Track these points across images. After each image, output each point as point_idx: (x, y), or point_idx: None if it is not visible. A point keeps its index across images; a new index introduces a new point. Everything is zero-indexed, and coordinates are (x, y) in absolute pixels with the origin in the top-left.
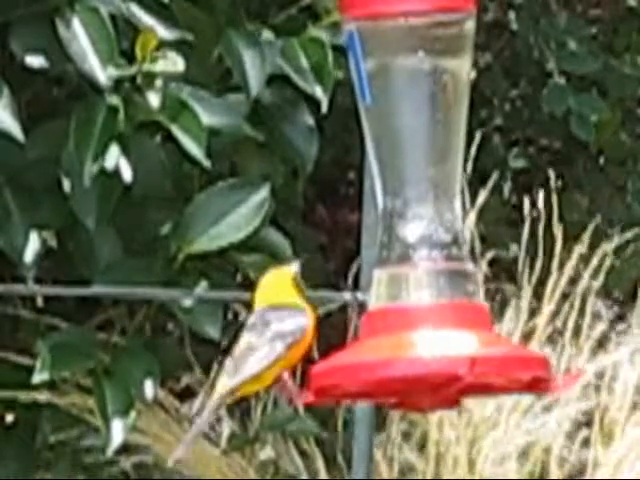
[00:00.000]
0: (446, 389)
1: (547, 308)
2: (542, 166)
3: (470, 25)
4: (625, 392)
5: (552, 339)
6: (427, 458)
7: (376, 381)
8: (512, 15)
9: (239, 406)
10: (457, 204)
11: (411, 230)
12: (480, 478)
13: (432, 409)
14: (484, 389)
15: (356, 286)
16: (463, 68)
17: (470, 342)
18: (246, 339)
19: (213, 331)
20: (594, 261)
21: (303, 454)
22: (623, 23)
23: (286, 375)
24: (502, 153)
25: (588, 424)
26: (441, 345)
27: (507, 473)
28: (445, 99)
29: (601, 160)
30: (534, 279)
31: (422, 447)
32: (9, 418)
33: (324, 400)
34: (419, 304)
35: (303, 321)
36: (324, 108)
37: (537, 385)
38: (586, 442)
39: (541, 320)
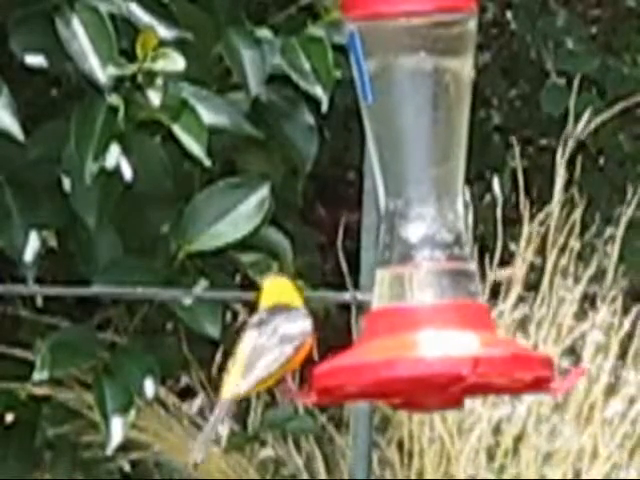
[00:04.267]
0: (449, 389)
1: (514, 291)
2: (542, 166)
3: (471, 25)
4: (598, 376)
5: (519, 324)
6: (403, 454)
7: (379, 381)
8: (511, 14)
9: (239, 405)
10: (459, 204)
11: (413, 230)
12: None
13: (436, 409)
14: (487, 389)
15: (356, 286)
16: (464, 68)
17: (473, 342)
18: (253, 340)
19: (213, 330)
20: (560, 240)
21: (303, 454)
22: (622, 23)
23: (287, 375)
24: (502, 153)
25: (557, 407)
26: (444, 345)
27: (479, 465)
28: (447, 99)
29: (601, 160)
30: (495, 263)
31: (400, 443)
32: (9, 418)
33: (327, 400)
34: (422, 304)
35: (308, 323)
36: (324, 107)
37: (539, 385)
38: (557, 428)
39: (507, 305)
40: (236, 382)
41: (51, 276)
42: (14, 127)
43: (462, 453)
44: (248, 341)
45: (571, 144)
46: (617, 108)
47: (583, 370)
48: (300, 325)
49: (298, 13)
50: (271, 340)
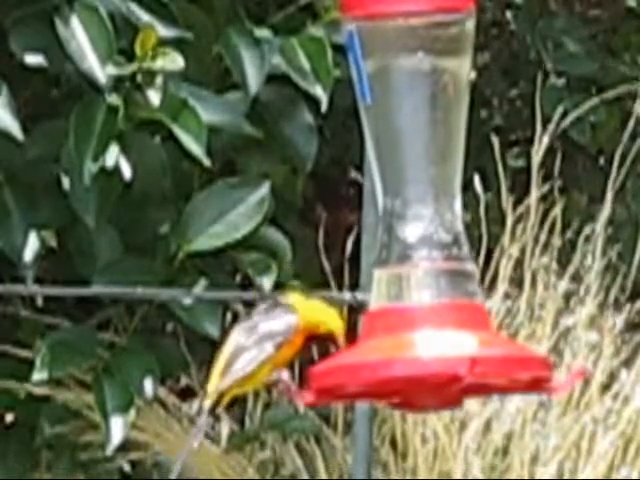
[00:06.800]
0: (447, 389)
1: (501, 288)
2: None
3: (470, 25)
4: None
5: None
6: (397, 453)
7: (377, 381)
8: (510, 15)
9: (239, 405)
10: (457, 204)
11: (411, 230)
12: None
13: (434, 409)
14: (485, 389)
15: (356, 286)
16: (463, 68)
17: (470, 342)
18: (235, 338)
19: (213, 330)
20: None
21: (303, 454)
22: (622, 23)
23: (286, 375)
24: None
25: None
26: (441, 345)
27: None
28: (445, 99)
29: (601, 160)
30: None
31: (393, 443)
32: (9, 418)
33: (325, 400)
34: (419, 304)
35: (292, 319)
36: (324, 107)
37: (538, 385)
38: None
39: (494, 302)
40: (215, 383)
41: (51, 276)
42: (14, 127)
43: (457, 452)
44: (230, 341)
45: (545, 140)
46: (588, 103)
47: (583, 371)
48: (283, 322)
49: (298, 13)
50: (250, 339)
